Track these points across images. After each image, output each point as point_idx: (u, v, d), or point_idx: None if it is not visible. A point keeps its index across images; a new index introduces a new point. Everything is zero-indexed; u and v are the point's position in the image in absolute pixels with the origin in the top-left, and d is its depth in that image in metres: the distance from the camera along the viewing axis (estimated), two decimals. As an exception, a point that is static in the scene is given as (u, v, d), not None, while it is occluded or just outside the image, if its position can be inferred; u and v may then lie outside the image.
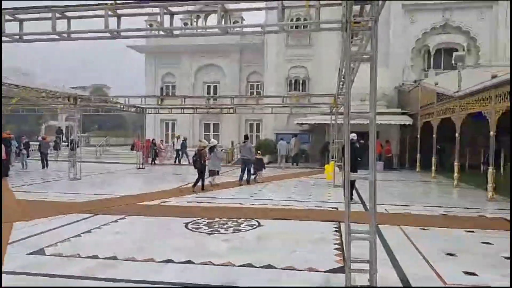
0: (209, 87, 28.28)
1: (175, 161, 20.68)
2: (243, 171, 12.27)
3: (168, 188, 11.32)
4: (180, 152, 20.64)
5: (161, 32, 5.65)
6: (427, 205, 8.96)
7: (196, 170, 10.68)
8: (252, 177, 12.62)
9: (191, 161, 12.90)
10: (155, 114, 22.11)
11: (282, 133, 21.17)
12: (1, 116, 13.22)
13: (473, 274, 4.43)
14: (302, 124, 20.08)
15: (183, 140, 20.97)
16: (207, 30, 10.31)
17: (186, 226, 6.61)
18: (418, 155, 16.61)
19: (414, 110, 17.09)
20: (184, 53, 27.50)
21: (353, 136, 9.34)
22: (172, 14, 5.23)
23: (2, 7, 5.03)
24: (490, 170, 9.70)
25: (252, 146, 13.09)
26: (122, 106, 17.91)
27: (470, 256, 5.10)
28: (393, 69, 20.55)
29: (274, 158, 19.71)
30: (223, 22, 4.96)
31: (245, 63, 27.13)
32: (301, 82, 23.27)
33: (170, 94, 28.04)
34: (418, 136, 16.37)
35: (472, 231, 6.44)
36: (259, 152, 13.68)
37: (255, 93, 26.62)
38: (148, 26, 19.48)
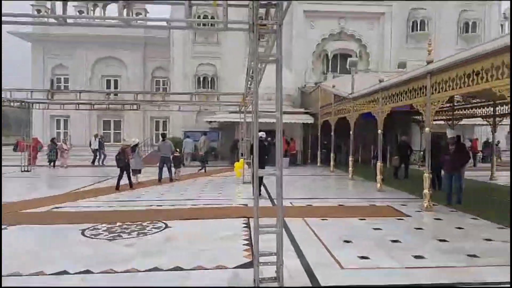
0: (108, 81, 26.21)
1: (93, 162, 18.73)
2: (161, 170, 12.31)
3: (61, 193, 10.14)
4: (98, 152, 18.70)
5: (52, 20, 4.94)
6: (326, 197, 9.68)
7: (119, 168, 10.57)
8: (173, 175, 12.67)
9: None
10: (43, 110, 19.64)
11: (191, 131, 20.77)
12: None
13: (367, 257, 4.88)
14: (211, 122, 20.00)
15: (100, 139, 19.02)
16: (106, 21, 9.42)
17: (82, 233, 5.96)
18: (319, 152, 17.95)
19: (315, 110, 18.38)
20: (79, 43, 24.98)
21: (262, 134, 9.57)
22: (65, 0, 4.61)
23: None
24: (378, 164, 10.93)
25: (171, 144, 12.80)
26: (4, 100, 15.46)
27: (364, 242, 5.61)
28: (296, 71, 21.85)
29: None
30: (124, 14, 4.55)
31: (149, 57, 25.87)
32: (209, 79, 23.15)
33: (63, 88, 25.28)
34: (319, 134, 17.66)
35: (364, 219, 7.14)
36: (177, 150, 13.43)
37: (160, 89, 25.60)
38: (36, 12, 17.21)
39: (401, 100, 9.47)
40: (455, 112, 15.70)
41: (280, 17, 3.88)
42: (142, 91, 20.31)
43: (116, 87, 25.75)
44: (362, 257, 4.89)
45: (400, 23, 23.67)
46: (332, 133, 15.40)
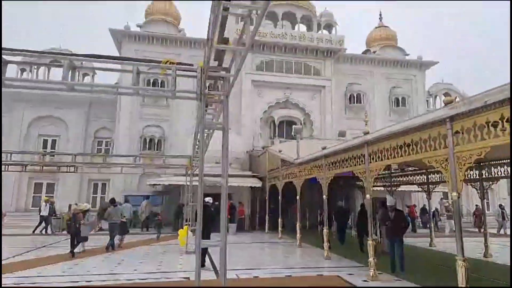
0: (45, 141, 24.52)
1: (40, 230, 16.50)
2: (112, 237, 11.58)
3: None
4: (47, 220, 16.60)
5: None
6: (274, 267, 9.25)
7: (70, 235, 10.57)
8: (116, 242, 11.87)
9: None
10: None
11: (132, 195, 19.57)
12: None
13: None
14: (155, 185, 19.21)
15: (50, 205, 17.00)
16: (49, 84, 9.03)
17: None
18: (267, 217, 17.72)
19: (263, 173, 18.53)
20: (15, 101, 23.46)
21: (209, 199, 9.28)
22: (6, 63, 4.35)
23: None
24: (325, 230, 10.94)
25: (121, 209, 12.08)
26: None
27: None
28: (245, 135, 22.35)
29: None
30: (69, 78, 4.37)
31: (94, 117, 24.90)
32: (156, 141, 22.68)
33: (-8, 148, 23.15)
34: (267, 198, 17.61)
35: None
36: (124, 216, 12.54)
37: (103, 150, 24.44)
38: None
39: (343, 167, 9.85)
40: (393, 179, 16.75)
41: (227, 89, 3.95)
42: (81, 153, 19.18)
43: (53, 148, 24.13)
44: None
45: (339, 96, 25.82)
46: (280, 197, 15.42)
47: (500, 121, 5.06)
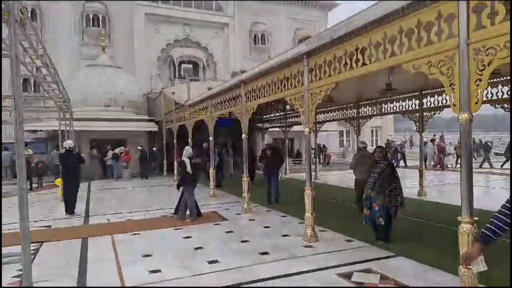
0: None
1: None
2: None
3: None
4: None
5: None
6: (153, 209, 9.17)
7: None
8: None
9: None
10: None
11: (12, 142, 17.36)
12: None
13: (158, 271, 4.63)
14: (34, 131, 17.23)
15: None
16: None
17: None
18: (165, 161, 17.40)
19: (160, 117, 17.80)
20: None
21: (70, 143, 8.62)
22: None
23: None
24: (211, 170, 11.09)
25: None
26: None
27: (165, 254, 5.37)
28: (141, 76, 20.85)
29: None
30: None
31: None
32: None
33: None
34: (164, 142, 17.14)
35: (181, 228, 6.98)
36: None
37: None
38: None
39: (225, 108, 9.80)
40: (287, 120, 17.51)
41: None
42: None
43: None
44: (153, 271, 4.63)
45: (244, 35, 25.15)
46: (175, 141, 15.09)
47: (343, 57, 5.23)
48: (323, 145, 22.99)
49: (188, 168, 7.61)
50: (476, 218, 3.29)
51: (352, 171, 8.03)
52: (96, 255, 5.36)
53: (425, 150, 22.07)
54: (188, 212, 7.68)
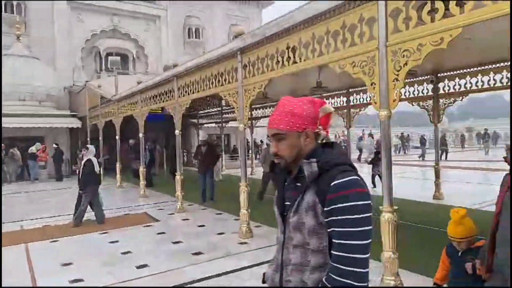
0: None
1: None
2: None
3: None
4: None
5: None
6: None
7: None
8: None
9: None
10: None
11: None
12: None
13: (80, 280, 4.25)
14: None
15: None
16: None
17: None
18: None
19: (83, 112, 16.48)
20: None
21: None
22: None
23: None
24: (141, 169, 10.56)
25: None
26: None
27: (88, 262, 4.94)
28: (62, 67, 19.01)
29: None
30: None
31: None
32: None
33: None
34: (88, 139, 15.91)
35: (107, 232, 6.51)
36: None
37: None
38: None
39: (157, 103, 9.37)
40: (224, 116, 17.31)
41: None
42: None
43: None
44: (76, 280, 4.23)
45: (177, 29, 24.29)
46: (100, 138, 14.07)
47: (275, 55, 5.26)
48: (261, 141, 23.23)
49: (97, 168, 7.17)
50: (395, 207, 3.53)
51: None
52: (9, 267, 4.70)
53: (359, 143, 23.64)
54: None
